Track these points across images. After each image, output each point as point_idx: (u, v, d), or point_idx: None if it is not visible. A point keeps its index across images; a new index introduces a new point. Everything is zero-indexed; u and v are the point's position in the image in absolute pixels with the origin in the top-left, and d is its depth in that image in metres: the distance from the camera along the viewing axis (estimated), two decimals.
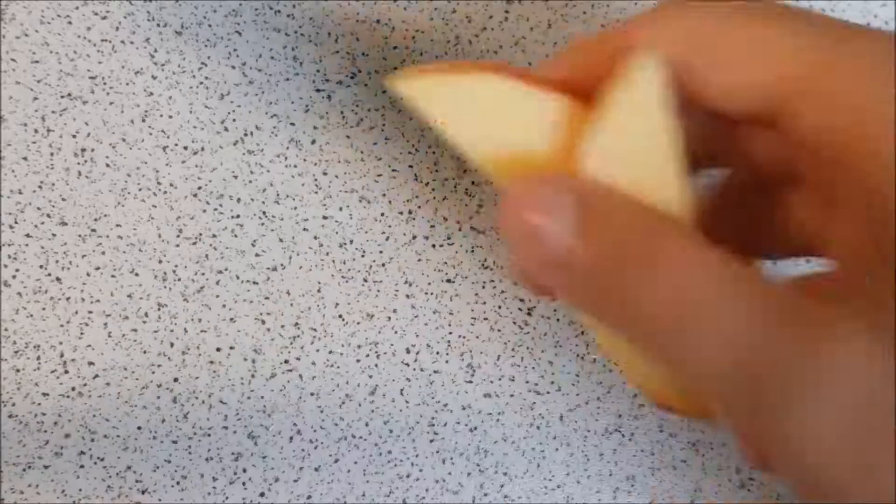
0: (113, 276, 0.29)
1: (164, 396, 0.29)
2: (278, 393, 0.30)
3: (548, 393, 0.31)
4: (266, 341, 0.30)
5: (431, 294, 0.31)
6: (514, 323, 0.31)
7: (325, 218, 0.31)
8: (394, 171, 0.31)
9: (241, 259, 0.30)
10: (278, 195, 0.30)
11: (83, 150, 0.30)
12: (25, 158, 0.29)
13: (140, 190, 0.30)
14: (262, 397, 0.30)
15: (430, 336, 0.31)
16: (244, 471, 0.30)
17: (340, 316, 0.30)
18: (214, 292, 0.30)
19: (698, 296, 0.15)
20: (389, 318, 0.31)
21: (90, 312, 0.29)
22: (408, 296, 0.31)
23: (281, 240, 0.30)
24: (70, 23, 0.30)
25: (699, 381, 0.15)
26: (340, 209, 0.31)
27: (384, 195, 0.31)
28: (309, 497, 0.30)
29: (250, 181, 0.30)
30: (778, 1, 0.18)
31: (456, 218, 0.31)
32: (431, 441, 0.30)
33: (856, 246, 0.16)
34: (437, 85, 0.27)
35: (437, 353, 0.31)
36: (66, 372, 0.29)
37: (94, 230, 0.29)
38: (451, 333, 0.31)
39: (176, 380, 0.29)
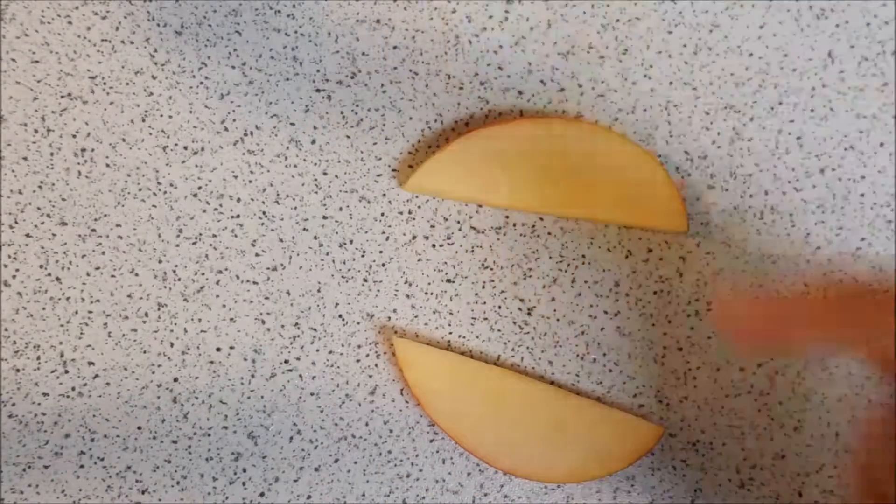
0: (113, 276, 0.29)
1: (164, 396, 0.29)
2: (278, 393, 0.30)
3: None
4: (266, 341, 0.30)
5: (431, 294, 0.31)
6: (514, 323, 0.31)
7: (325, 218, 0.31)
8: (393, 171, 0.31)
9: (241, 259, 0.30)
10: (278, 195, 0.30)
11: (83, 150, 0.30)
12: (25, 158, 0.29)
13: (140, 190, 0.30)
14: (262, 397, 0.30)
15: (430, 336, 0.31)
16: (244, 471, 0.30)
17: (340, 316, 0.30)
18: (214, 292, 0.30)
19: None
20: (389, 318, 0.31)
21: (90, 312, 0.29)
22: (408, 296, 0.31)
23: (281, 240, 0.30)
24: (70, 23, 0.30)
25: None
26: (340, 209, 0.31)
27: (384, 195, 0.31)
28: (309, 497, 0.30)
29: (250, 181, 0.30)
30: None
31: (456, 218, 0.31)
32: (431, 441, 0.30)
33: None
34: (436, 164, 0.29)
35: None
36: (66, 372, 0.29)
37: (94, 230, 0.29)
38: (451, 333, 0.31)
39: (176, 380, 0.29)
